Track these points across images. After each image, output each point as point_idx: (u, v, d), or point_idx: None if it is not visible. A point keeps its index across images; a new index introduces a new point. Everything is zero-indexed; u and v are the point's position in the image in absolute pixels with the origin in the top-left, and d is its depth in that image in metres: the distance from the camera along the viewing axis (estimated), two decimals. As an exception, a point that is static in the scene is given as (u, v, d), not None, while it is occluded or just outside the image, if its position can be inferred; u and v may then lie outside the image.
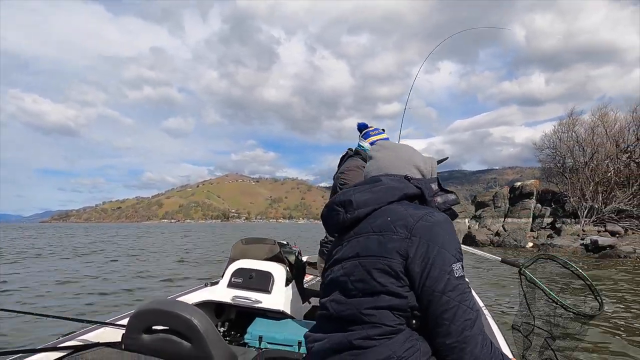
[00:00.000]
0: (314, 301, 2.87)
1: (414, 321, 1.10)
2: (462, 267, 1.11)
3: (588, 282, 2.05)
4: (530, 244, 18.34)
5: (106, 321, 2.10)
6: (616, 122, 22.24)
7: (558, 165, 23.64)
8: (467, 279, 1.15)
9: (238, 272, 2.70)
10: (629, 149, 21.44)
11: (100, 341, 1.87)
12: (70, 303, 6.00)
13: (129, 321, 1.66)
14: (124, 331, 1.70)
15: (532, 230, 20.93)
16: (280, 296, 2.51)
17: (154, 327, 1.64)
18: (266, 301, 2.47)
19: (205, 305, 2.67)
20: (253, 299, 2.52)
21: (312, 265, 3.81)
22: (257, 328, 2.46)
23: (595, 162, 21.51)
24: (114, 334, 1.99)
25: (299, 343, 2.22)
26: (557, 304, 2.13)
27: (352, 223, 1.24)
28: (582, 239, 15.97)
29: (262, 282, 2.55)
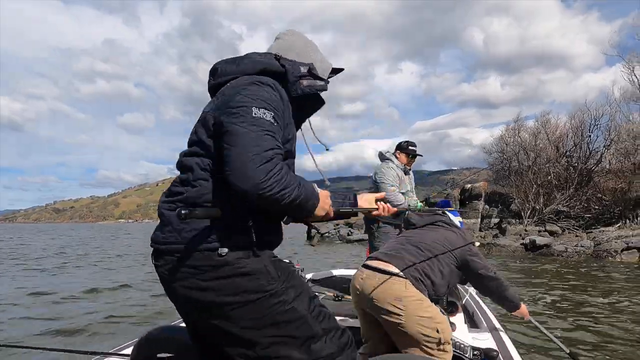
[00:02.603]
0: None
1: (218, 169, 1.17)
2: (274, 119, 1.16)
3: None
4: (478, 244, 19.11)
5: (110, 351, 2.09)
6: (557, 128, 23.76)
7: (504, 168, 24.93)
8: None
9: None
10: (567, 153, 22.93)
11: None
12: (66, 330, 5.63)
13: (133, 350, 1.64)
14: None
15: (480, 230, 21.92)
16: None
17: (159, 355, 1.61)
18: None
19: None
20: None
21: (316, 282, 3.82)
22: None
23: (537, 166, 22.83)
24: None
25: None
26: None
27: (216, 88, 1.33)
28: (523, 239, 16.95)
29: None
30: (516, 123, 24.89)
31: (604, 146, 21.69)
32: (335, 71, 1.52)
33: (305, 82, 1.33)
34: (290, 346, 1.19)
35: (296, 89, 1.31)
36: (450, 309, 2.52)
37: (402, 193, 4.01)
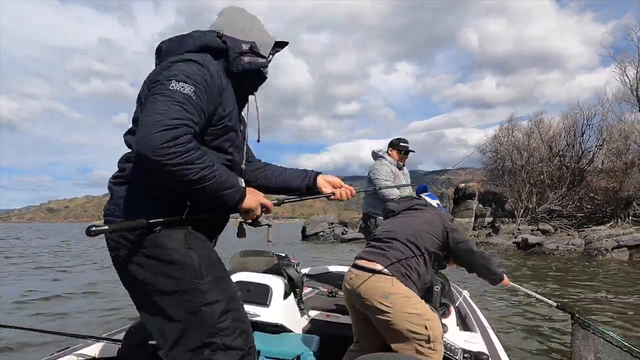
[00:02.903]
0: (313, 314, 2.89)
1: None
2: (193, 92, 1.15)
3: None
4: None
5: (102, 336, 2.08)
6: (550, 128, 23.96)
7: (498, 167, 25.10)
8: None
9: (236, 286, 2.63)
10: (560, 153, 23.13)
11: (97, 356, 1.87)
12: (60, 317, 5.69)
13: (125, 336, 1.66)
14: (120, 346, 1.69)
15: (474, 229, 22.08)
16: (278, 309, 2.44)
17: (150, 342, 1.60)
18: (264, 315, 2.41)
19: None
20: (251, 313, 2.42)
21: (311, 277, 3.83)
22: (255, 342, 2.38)
23: (530, 166, 23.01)
24: (110, 350, 1.99)
25: (298, 357, 2.18)
26: (618, 346, 2.19)
27: None
28: (515, 237, 17.11)
29: (260, 295, 2.46)
30: (510, 123, 25.15)
31: (596, 146, 21.93)
32: (280, 45, 1.51)
33: (246, 59, 1.33)
34: (182, 347, 1.22)
35: (237, 65, 1.32)
36: (443, 310, 2.53)
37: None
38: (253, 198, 1.27)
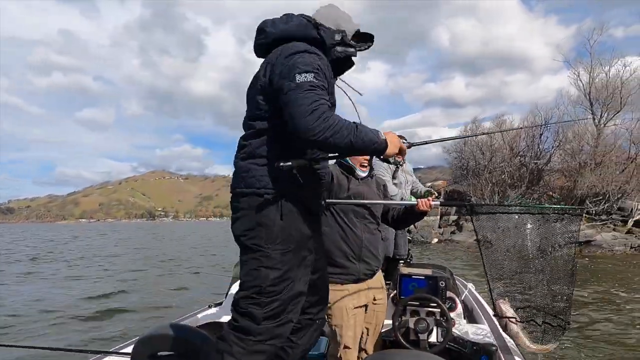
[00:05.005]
0: None
1: (272, 127, 1.46)
2: (315, 77, 1.36)
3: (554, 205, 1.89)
4: (436, 240, 20.05)
5: (110, 350, 2.09)
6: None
7: (462, 167, 25.94)
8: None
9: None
10: (520, 153, 24.12)
11: None
12: (68, 332, 5.64)
13: (133, 349, 1.65)
14: (129, 359, 1.69)
15: (439, 227, 22.79)
16: None
17: (159, 353, 1.60)
18: None
19: (210, 326, 2.66)
20: None
21: None
22: None
23: (492, 165, 23.90)
24: None
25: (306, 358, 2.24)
26: (536, 213, 1.93)
27: (266, 49, 1.56)
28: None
29: None
30: (474, 124, 25.99)
31: (553, 147, 22.99)
32: (364, 39, 1.67)
33: (339, 49, 1.56)
34: (238, 292, 1.45)
35: (331, 55, 1.54)
36: (449, 304, 2.56)
37: (394, 184, 4.24)
38: (393, 145, 1.45)
